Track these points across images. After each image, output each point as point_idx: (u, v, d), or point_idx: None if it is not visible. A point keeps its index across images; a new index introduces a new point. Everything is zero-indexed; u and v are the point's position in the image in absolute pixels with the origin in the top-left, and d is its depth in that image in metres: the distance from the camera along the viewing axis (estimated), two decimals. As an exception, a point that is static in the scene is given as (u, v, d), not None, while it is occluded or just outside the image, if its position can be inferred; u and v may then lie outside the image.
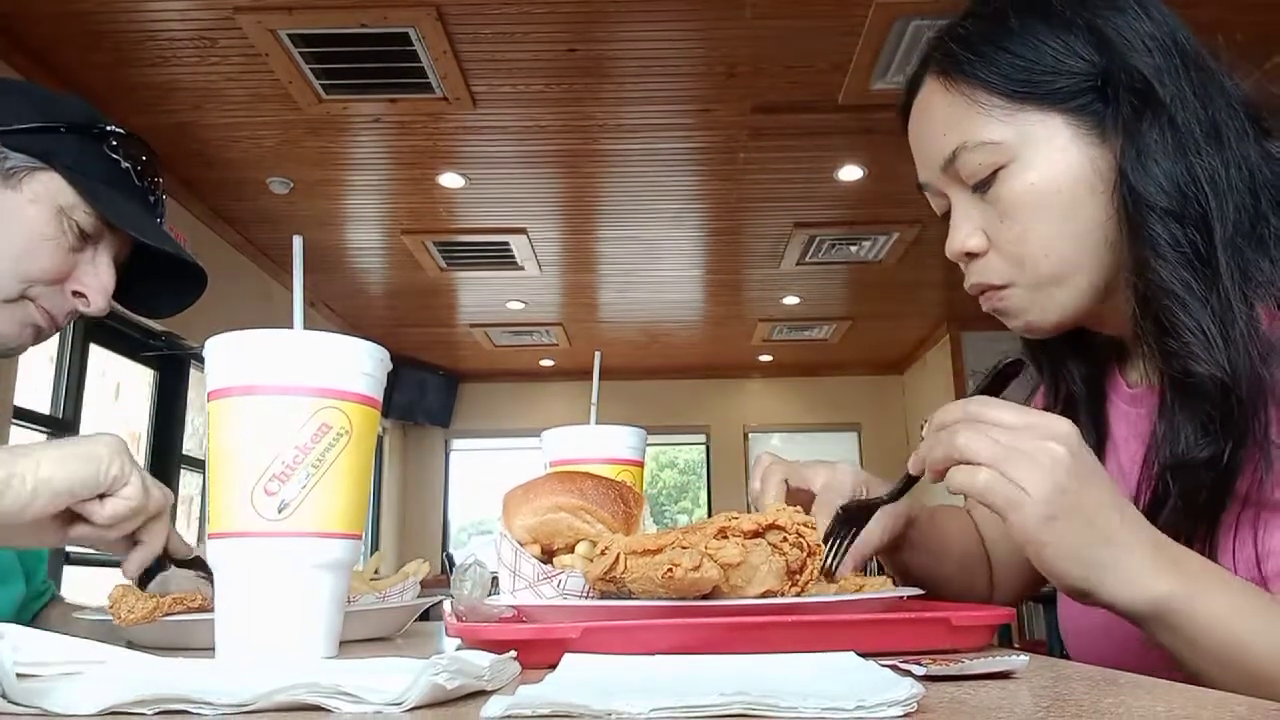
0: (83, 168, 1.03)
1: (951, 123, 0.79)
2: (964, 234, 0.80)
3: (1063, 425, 0.63)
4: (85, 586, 4.29)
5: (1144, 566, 0.62)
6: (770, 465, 0.89)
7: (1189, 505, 0.70)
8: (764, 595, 0.63)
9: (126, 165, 1.06)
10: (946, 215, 0.83)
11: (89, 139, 1.04)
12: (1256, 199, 0.71)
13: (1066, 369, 0.89)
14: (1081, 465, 0.62)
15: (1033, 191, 0.76)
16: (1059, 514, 0.61)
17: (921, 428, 0.70)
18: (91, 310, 1.06)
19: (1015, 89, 0.76)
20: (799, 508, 0.66)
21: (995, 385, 0.76)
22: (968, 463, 0.63)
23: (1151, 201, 0.71)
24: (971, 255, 0.81)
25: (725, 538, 0.63)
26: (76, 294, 1.05)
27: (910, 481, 0.76)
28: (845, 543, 0.80)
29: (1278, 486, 0.68)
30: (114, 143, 1.06)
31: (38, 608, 1.19)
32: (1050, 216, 0.76)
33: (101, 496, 0.79)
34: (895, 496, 0.80)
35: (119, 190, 1.05)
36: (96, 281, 1.05)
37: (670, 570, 0.60)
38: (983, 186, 0.78)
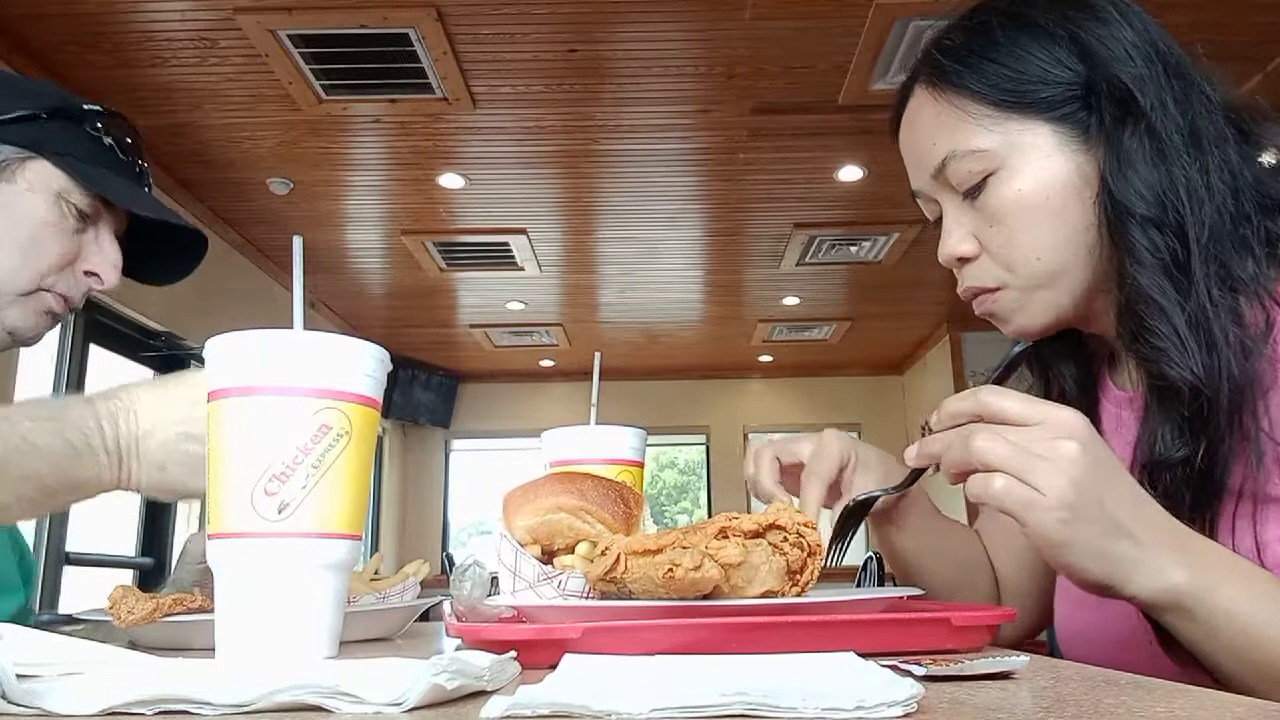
0: (70, 151, 1.04)
1: (941, 132, 0.81)
2: (955, 239, 0.83)
3: (1073, 418, 0.63)
4: (85, 587, 4.30)
5: (1162, 558, 0.62)
6: (760, 448, 0.91)
7: (1175, 504, 0.70)
8: (764, 595, 0.63)
9: (109, 142, 1.08)
10: (939, 221, 0.86)
11: (71, 122, 1.06)
12: (1238, 201, 0.73)
13: (1059, 370, 0.90)
14: (1095, 459, 0.62)
15: (1021, 197, 0.78)
16: (1075, 515, 0.61)
17: (923, 427, 0.71)
18: (105, 286, 1.09)
19: (1002, 98, 0.78)
20: (800, 508, 0.66)
21: (1008, 372, 0.78)
22: (983, 466, 0.63)
23: (1131, 209, 0.73)
24: (963, 260, 0.83)
25: (726, 538, 0.63)
26: (88, 273, 1.08)
27: (915, 475, 0.77)
28: (849, 538, 0.81)
29: (1269, 479, 0.69)
30: (96, 123, 1.07)
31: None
32: (1038, 221, 0.78)
33: None
34: (903, 488, 0.81)
35: (107, 168, 1.07)
36: (104, 259, 1.08)
37: (671, 570, 0.60)
38: (973, 193, 0.81)
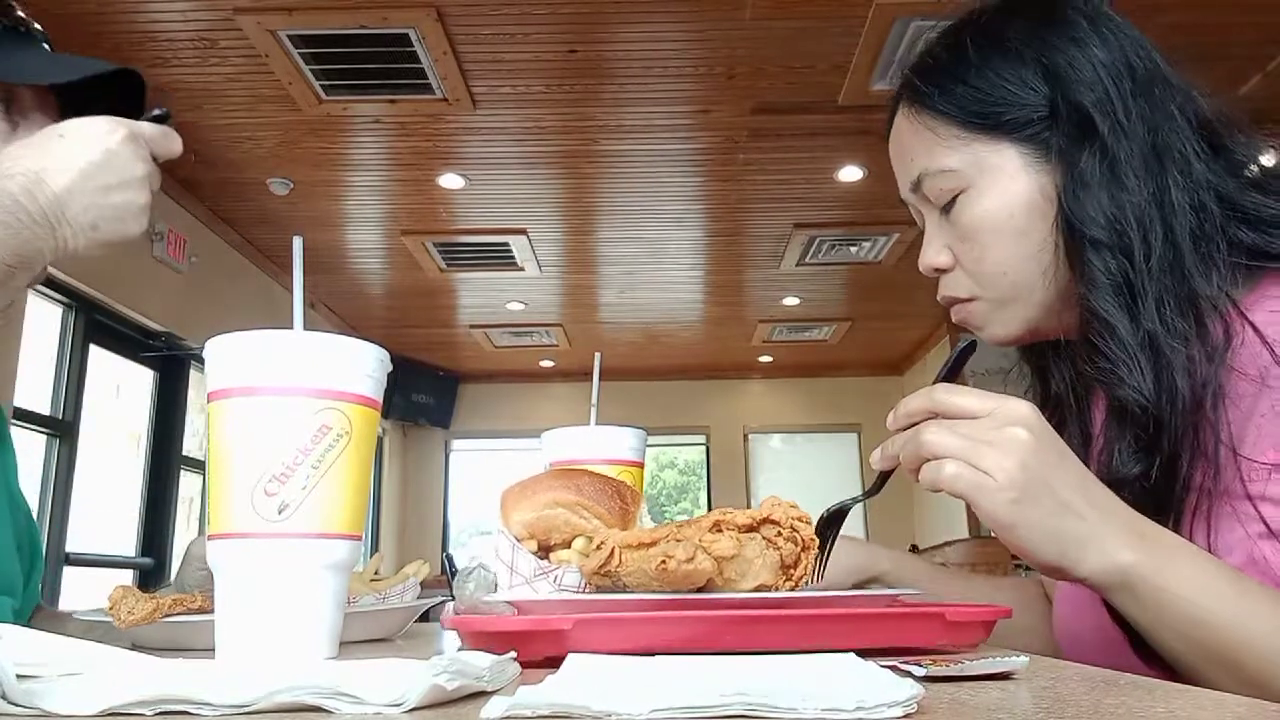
0: None
1: (916, 150, 0.85)
2: (932, 251, 0.86)
3: (1022, 407, 0.65)
4: (85, 586, 4.30)
5: (1112, 538, 0.64)
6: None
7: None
8: (758, 589, 0.63)
9: None
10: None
11: None
12: (1201, 218, 0.74)
13: (1054, 373, 0.91)
14: (1044, 445, 0.64)
15: (987, 216, 0.81)
16: (1025, 496, 0.63)
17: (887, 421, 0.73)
18: None
19: (969, 119, 0.81)
20: (794, 503, 0.66)
21: (956, 368, 0.78)
22: (934, 457, 0.65)
23: (1085, 230, 0.75)
24: (939, 270, 0.86)
25: (720, 531, 0.63)
26: None
27: (883, 478, 0.78)
28: (827, 546, 0.82)
29: (1229, 488, 0.70)
30: None
31: (31, 609, 1.19)
32: (1004, 239, 0.80)
33: None
34: (872, 493, 0.83)
35: None
36: None
37: (664, 563, 0.60)
38: (945, 209, 0.83)
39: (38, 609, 1.22)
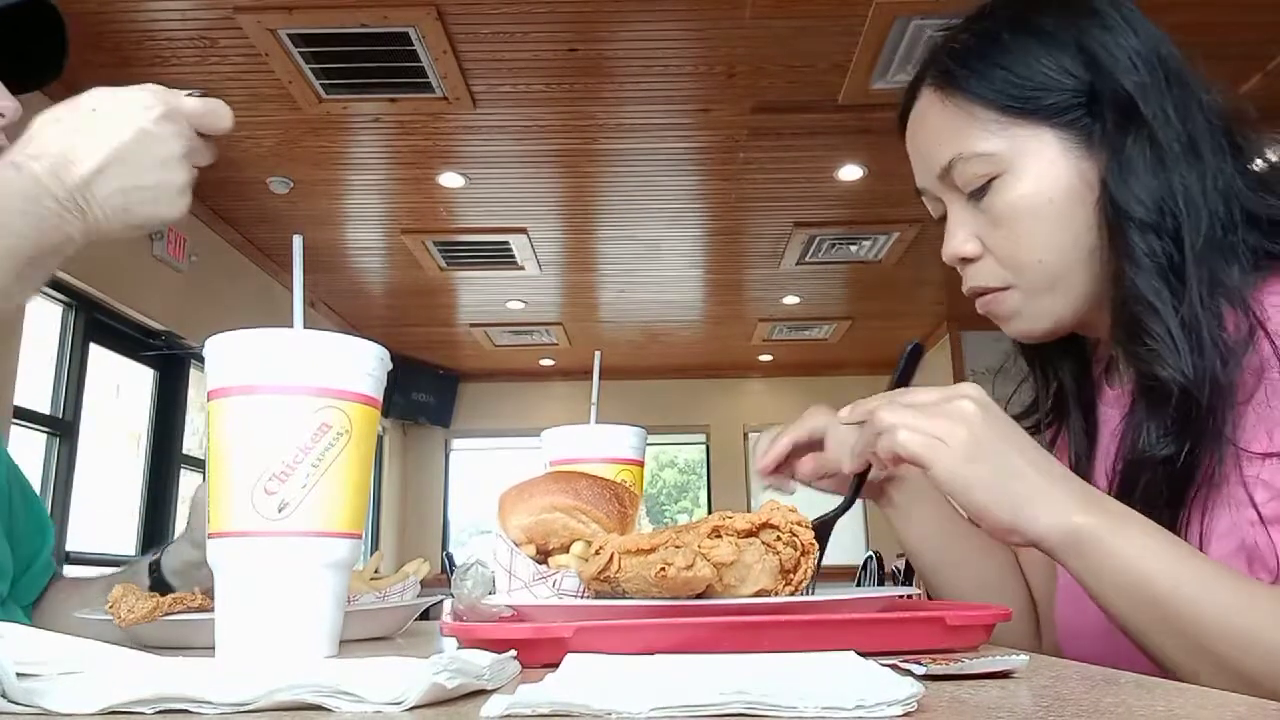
0: None
1: (947, 134, 0.83)
2: (959, 239, 0.84)
3: (970, 387, 0.69)
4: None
5: (1064, 500, 0.66)
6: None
7: (1151, 500, 0.73)
8: (757, 594, 0.63)
9: None
10: (943, 219, 0.87)
11: None
12: (1229, 209, 0.75)
13: (1057, 369, 0.91)
14: (992, 416, 0.68)
15: (1025, 201, 0.80)
16: (977, 455, 0.66)
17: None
18: (9, 117, 0.92)
19: (1008, 104, 0.80)
20: (794, 507, 0.67)
21: (907, 373, 0.81)
22: (889, 430, 0.69)
23: (1131, 213, 0.75)
24: (966, 260, 0.84)
25: (719, 537, 0.63)
26: None
27: (858, 482, 0.79)
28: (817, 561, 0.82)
29: (1226, 480, 0.72)
30: None
31: (43, 584, 1.19)
32: (1041, 225, 0.80)
33: None
34: (849, 504, 0.83)
35: None
36: None
37: (663, 569, 0.59)
38: (978, 195, 0.82)
39: (54, 579, 1.21)
